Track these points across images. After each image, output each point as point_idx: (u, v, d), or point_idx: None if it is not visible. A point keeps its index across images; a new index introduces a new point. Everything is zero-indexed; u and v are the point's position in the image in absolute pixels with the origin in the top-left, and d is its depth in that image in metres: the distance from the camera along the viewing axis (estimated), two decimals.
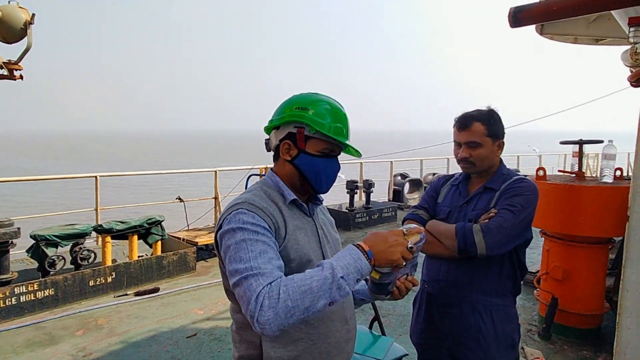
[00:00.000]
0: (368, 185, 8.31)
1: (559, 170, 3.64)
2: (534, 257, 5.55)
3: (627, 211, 3.31)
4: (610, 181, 3.36)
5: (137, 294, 4.57)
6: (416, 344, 1.91)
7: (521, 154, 14.10)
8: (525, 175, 1.79)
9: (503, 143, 1.78)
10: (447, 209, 1.82)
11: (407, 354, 2.43)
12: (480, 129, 1.70)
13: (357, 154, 1.35)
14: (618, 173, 3.52)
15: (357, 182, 8.29)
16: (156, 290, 4.67)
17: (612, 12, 3.50)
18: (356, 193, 8.36)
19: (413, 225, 1.20)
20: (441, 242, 1.69)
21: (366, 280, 1.36)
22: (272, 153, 1.35)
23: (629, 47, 4.71)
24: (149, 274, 4.89)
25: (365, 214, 8.10)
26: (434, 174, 11.27)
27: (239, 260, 1.09)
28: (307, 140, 1.25)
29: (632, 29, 3.55)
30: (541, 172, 3.42)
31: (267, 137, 1.36)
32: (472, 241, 1.60)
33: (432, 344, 1.81)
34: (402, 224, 1.85)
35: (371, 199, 8.51)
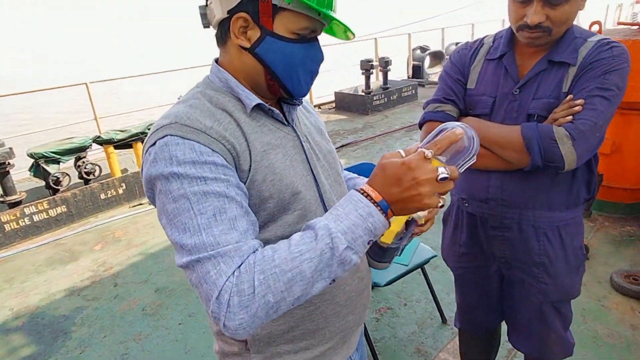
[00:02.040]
0: (385, 64, 7.57)
1: (619, 23, 2.97)
2: None
3: None
4: None
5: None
6: (453, 267, 1.58)
7: None
8: (606, 38, 1.20)
9: None
10: (489, 99, 1.26)
11: (435, 255, 2.21)
12: None
13: (345, 35, 0.89)
14: None
15: (372, 60, 7.54)
16: None
17: None
18: (372, 73, 7.67)
19: (436, 134, 0.73)
20: (494, 154, 1.20)
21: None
22: (213, 32, 0.87)
23: None
24: None
25: (383, 96, 7.52)
26: (456, 43, 10.18)
27: (182, 229, 0.70)
28: (276, 14, 0.78)
29: None
30: (596, 27, 2.77)
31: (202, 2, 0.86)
32: (557, 154, 1.10)
33: (477, 266, 1.48)
34: (420, 127, 1.37)
35: (389, 79, 7.84)
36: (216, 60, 0.88)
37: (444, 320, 2.38)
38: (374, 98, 7.40)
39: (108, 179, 4.40)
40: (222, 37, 0.84)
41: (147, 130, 4.84)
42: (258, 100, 0.83)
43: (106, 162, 4.75)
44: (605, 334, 2.18)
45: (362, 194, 0.70)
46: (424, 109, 1.39)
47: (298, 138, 0.90)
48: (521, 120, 1.20)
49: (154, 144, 0.75)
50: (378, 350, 2.14)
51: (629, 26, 3.01)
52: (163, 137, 0.74)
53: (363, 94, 7.45)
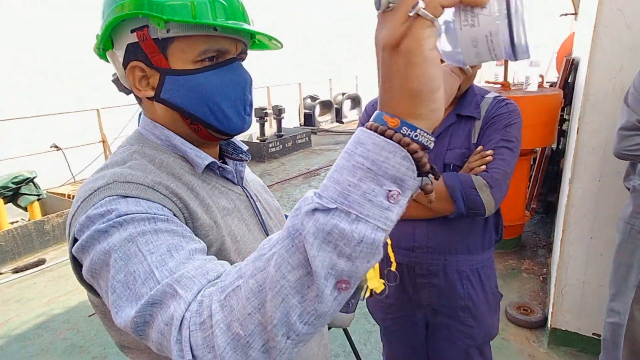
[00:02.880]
0: (278, 111, 7.74)
1: (487, 82, 3.44)
2: None
3: (553, 120, 3.27)
4: (535, 89, 3.24)
5: (16, 270, 3.74)
6: (380, 319, 1.56)
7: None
8: (499, 95, 1.38)
9: None
10: None
11: None
12: None
13: (274, 45, 0.79)
14: (539, 80, 3.42)
15: (265, 108, 7.64)
16: (41, 262, 3.86)
17: None
18: (266, 121, 7.75)
19: None
20: (418, 202, 1.24)
21: None
22: (132, 94, 0.76)
23: None
24: (29, 244, 4.01)
25: (278, 143, 7.61)
26: (343, 93, 10.94)
27: (132, 279, 0.53)
28: (166, 48, 0.67)
29: None
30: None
31: (111, 68, 0.76)
32: (478, 202, 1.19)
33: (403, 316, 1.48)
34: None
35: (282, 126, 7.99)
36: (144, 115, 0.76)
37: None
38: (270, 145, 7.44)
39: None
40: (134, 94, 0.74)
41: (11, 184, 4.12)
42: (210, 159, 0.73)
43: None
44: None
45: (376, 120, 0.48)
46: None
47: (249, 199, 0.81)
48: (438, 170, 1.26)
49: (90, 207, 0.60)
50: None
51: (493, 84, 3.50)
52: (102, 198, 0.60)
53: (258, 141, 7.45)
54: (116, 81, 0.75)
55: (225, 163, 0.83)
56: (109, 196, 0.60)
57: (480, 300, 1.37)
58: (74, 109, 6.75)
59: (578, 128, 2.09)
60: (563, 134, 3.91)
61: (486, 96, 1.33)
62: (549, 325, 2.42)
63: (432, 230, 1.32)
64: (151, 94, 0.71)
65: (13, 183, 4.17)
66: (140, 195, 0.60)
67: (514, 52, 0.40)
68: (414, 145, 0.40)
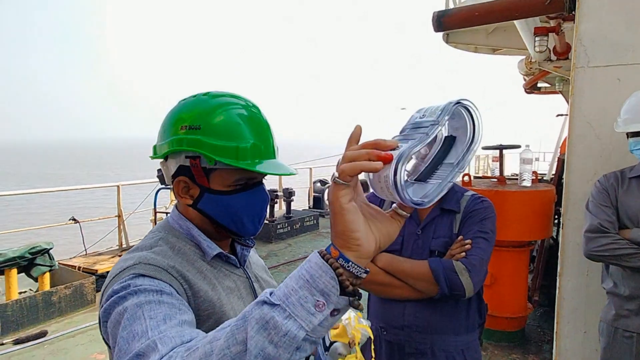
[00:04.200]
0: (288, 194, 8.02)
1: (481, 176, 3.66)
2: None
3: (547, 214, 3.43)
4: (529, 184, 3.44)
5: (17, 341, 3.74)
6: None
7: None
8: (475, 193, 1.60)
9: None
10: (398, 238, 1.54)
11: None
12: None
13: (288, 173, 0.93)
14: (532, 176, 3.63)
15: (276, 190, 7.95)
16: (43, 334, 3.87)
17: (514, 22, 3.65)
18: (276, 203, 8.02)
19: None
20: (407, 284, 1.42)
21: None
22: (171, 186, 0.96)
23: (523, 57, 5.10)
24: (34, 315, 4.06)
25: (286, 224, 7.78)
26: None
27: (131, 339, 0.67)
28: (210, 173, 0.87)
29: (537, 39, 3.75)
30: (466, 178, 3.39)
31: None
32: (458, 284, 1.35)
33: None
34: None
35: (292, 208, 8.22)
36: (176, 207, 0.96)
37: None
38: (278, 226, 7.60)
39: None
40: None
41: (27, 254, 4.28)
42: (219, 250, 0.91)
43: None
44: None
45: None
46: None
47: (249, 279, 0.98)
48: (425, 255, 1.46)
49: (116, 283, 0.77)
50: None
51: (490, 178, 3.73)
52: (128, 276, 0.77)
53: (267, 222, 7.63)
54: (161, 177, 0.96)
55: (234, 248, 1.00)
56: (132, 273, 0.77)
57: None
58: (94, 183, 7.08)
59: (563, 224, 2.24)
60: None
61: (465, 194, 1.55)
62: None
63: (420, 310, 1.46)
64: (190, 202, 0.89)
65: (30, 253, 4.32)
66: (155, 275, 0.77)
67: (400, 197, 0.54)
68: (341, 270, 0.54)
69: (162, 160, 0.92)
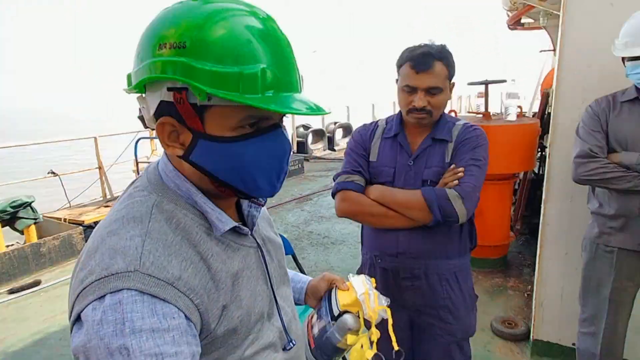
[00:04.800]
0: None
1: (469, 112, 3.67)
2: None
3: (532, 147, 3.50)
4: (514, 119, 3.48)
5: (12, 291, 3.77)
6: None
7: None
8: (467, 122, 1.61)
9: (454, 84, 1.55)
10: (390, 170, 1.52)
11: None
12: (443, 71, 1.42)
13: (317, 111, 0.65)
14: (518, 110, 3.67)
15: None
16: (37, 283, 3.91)
17: None
18: None
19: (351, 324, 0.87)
20: (400, 214, 1.43)
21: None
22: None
23: None
24: (24, 266, 4.07)
25: None
26: (335, 122, 11.25)
27: None
28: (205, 111, 0.62)
29: None
30: (453, 114, 3.39)
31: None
32: (451, 211, 1.37)
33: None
34: (333, 196, 1.57)
35: None
36: (166, 155, 0.71)
37: None
38: None
39: None
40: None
41: (9, 208, 4.21)
42: (231, 223, 0.70)
43: None
44: None
45: None
46: (334, 180, 1.60)
47: (259, 248, 0.78)
48: (418, 185, 1.47)
49: (102, 297, 0.56)
50: None
51: (476, 114, 3.75)
52: (117, 292, 0.56)
53: None
54: (142, 118, 0.69)
55: (239, 206, 0.80)
56: (127, 288, 0.56)
57: (458, 300, 1.53)
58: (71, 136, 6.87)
59: (549, 154, 2.29)
60: (544, 161, 4.15)
61: (457, 123, 1.54)
62: (531, 337, 2.55)
63: (414, 238, 1.49)
64: (180, 152, 0.65)
65: (11, 207, 4.25)
66: (158, 295, 0.57)
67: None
68: None
69: (139, 95, 0.67)
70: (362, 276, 0.98)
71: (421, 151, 1.50)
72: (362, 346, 0.91)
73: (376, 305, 0.92)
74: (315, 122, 11.12)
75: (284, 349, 0.79)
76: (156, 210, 0.65)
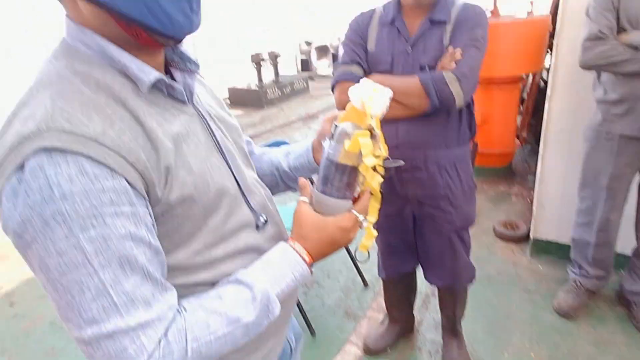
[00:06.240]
0: (274, 57, 7.69)
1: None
2: None
3: (541, 44, 3.34)
4: (525, 17, 3.28)
5: None
6: None
7: None
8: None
9: None
10: (388, 57, 1.47)
11: None
12: None
13: None
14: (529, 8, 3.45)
15: (261, 54, 7.60)
16: None
17: None
18: (262, 67, 7.73)
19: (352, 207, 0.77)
20: (399, 102, 1.39)
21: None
22: None
23: None
24: None
25: (276, 89, 7.64)
26: (339, 38, 10.75)
27: (78, 290, 0.52)
28: None
29: None
30: None
31: None
32: (448, 94, 1.35)
33: (393, 211, 1.68)
34: (333, 90, 1.54)
35: (280, 73, 7.98)
36: (68, 17, 0.61)
37: (365, 284, 2.59)
38: (268, 92, 7.48)
39: None
40: None
41: None
42: (156, 74, 0.60)
43: None
44: (495, 273, 2.58)
45: (299, 255, 0.71)
46: (332, 74, 1.58)
47: (202, 118, 0.70)
48: (416, 72, 1.44)
49: (21, 168, 0.50)
50: (310, 319, 2.25)
51: None
52: (34, 156, 0.50)
53: (257, 88, 7.48)
54: None
55: (172, 76, 0.70)
56: (43, 149, 0.50)
57: (457, 189, 1.58)
58: None
59: (557, 44, 2.20)
60: None
61: (456, 3, 1.46)
62: (531, 237, 2.65)
63: (413, 128, 1.49)
64: None
65: None
66: (81, 151, 0.51)
67: None
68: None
69: None
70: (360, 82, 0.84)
71: (419, 36, 1.44)
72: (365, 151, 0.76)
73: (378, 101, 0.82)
74: (318, 38, 10.63)
75: (257, 227, 0.76)
76: (68, 73, 0.57)
